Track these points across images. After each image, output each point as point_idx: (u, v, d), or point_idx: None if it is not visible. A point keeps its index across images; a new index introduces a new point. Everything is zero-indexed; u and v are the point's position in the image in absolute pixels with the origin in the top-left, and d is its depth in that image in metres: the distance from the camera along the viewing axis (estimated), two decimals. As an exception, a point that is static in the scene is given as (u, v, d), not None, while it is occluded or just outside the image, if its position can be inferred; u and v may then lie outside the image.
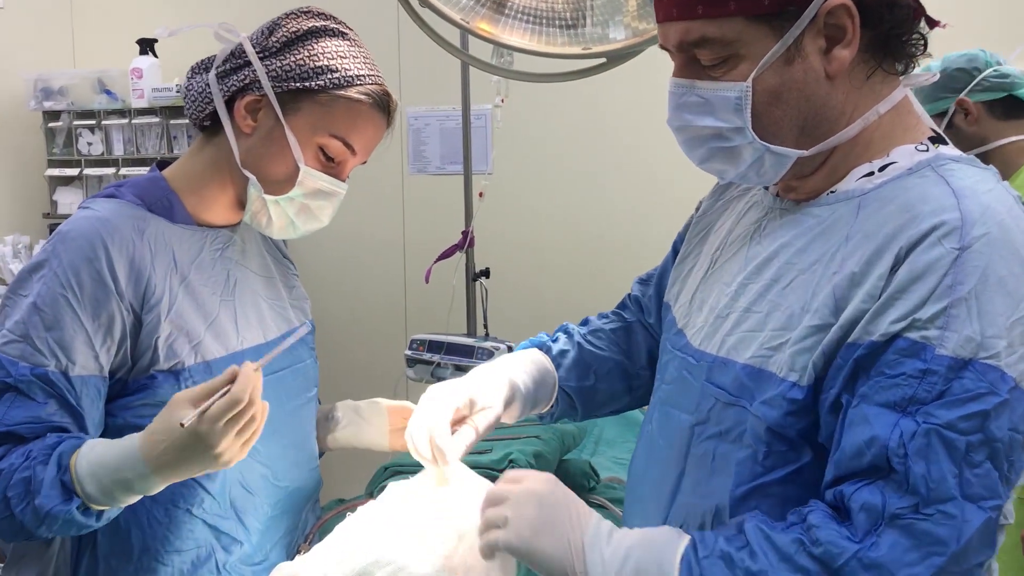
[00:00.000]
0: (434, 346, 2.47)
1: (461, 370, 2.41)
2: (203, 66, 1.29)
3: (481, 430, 1.18)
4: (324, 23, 1.27)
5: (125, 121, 3.58)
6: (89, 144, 3.64)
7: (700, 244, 1.20)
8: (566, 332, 1.38)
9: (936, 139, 0.98)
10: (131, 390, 1.21)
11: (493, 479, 1.46)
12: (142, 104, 3.54)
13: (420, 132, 3.34)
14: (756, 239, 1.05)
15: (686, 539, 0.93)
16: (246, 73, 1.24)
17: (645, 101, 3.17)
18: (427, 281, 2.53)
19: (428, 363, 2.46)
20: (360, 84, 1.25)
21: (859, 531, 0.84)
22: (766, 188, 1.09)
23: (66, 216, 3.69)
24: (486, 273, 2.57)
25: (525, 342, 1.36)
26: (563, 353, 1.33)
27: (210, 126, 1.29)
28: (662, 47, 1.03)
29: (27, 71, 3.64)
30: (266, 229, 1.32)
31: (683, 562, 0.90)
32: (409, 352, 2.51)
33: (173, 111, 3.52)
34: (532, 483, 1.00)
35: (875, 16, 0.92)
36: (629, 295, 1.43)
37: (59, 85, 3.64)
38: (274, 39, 1.25)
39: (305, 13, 1.29)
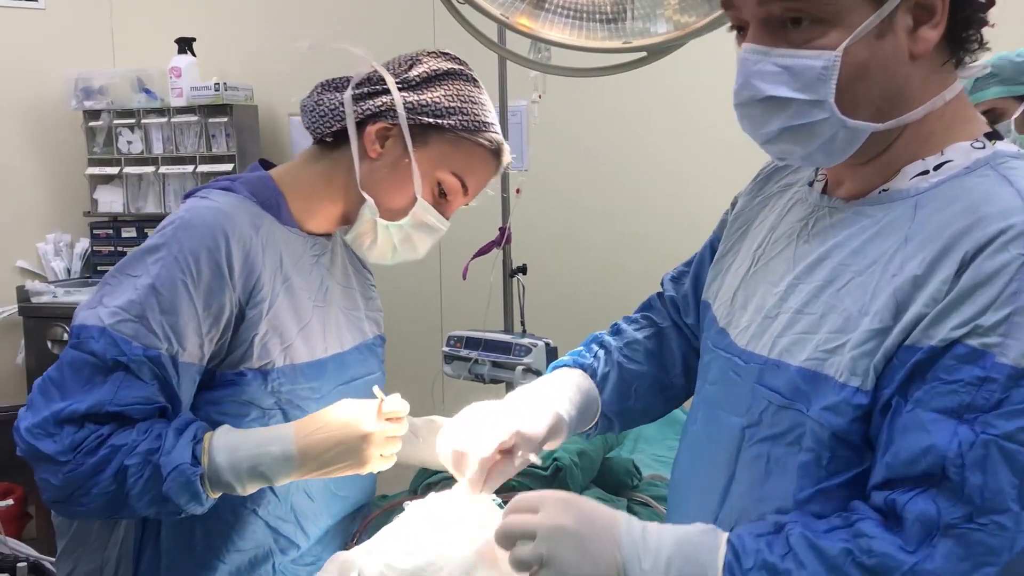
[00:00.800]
0: (472, 343, 2.47)
1: (499, 367, 2.41)
2: (334, 85, 1.33)
3: (518, 467, 1.17)
4: (460, 67, 1.34)
5: (164, 120, 3.62)
6: (129, 143, 3.68)
7: (739, 241, 1.18)
8: (603, 346, 1.34)
9: (991, 135, 0.95)
10: (218, 384, 1.23)
11: (537, 476, 1.45)
12: (181, 103, 3.58)
13: (455, 129, 3.33)
14: (804, 238, 1.02)
15: (723, 544, 0.91)
16: (383, 100, 1.28)
17: (683, 98, 3.15)
18: (464, 278, 2.52)
19: (466, 360, 2.46)
20: (486, 131, 1.32)
21: (913, 541, 0.82)
22: (810, 185, 1.07)
23: (106, 214, 3.75)
24: (523, 269, 2.56)
25: (565, 358, 1.33)
26: (606, 377, 1.30)
27: (331, 143, 1.33)
28: (736, 22, 0.97)
29: (67, 70, 3.68)
30: (366, 250, 1.37)
31: (727, 573, 0.89)
32: (447, 348, 2.51)
33: (211, 110, 3.55)
34: (555, 514, 0.95)
35: (962, 1, 0.90)
36: (660, 295, 1.40)
37: (99, 84, 3.69)
38: (414, 73, 1.30)
39: (444, 55, 1.35)
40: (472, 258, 2.53)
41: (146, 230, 3.78)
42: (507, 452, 1.15)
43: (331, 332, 1.35)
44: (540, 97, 2.40)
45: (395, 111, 1.27)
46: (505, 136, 2.57)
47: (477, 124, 1.31)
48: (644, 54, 1.72)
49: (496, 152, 1.35)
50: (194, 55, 3.64)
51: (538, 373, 2.35)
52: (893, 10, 0.87)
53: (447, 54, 1.35)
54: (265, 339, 1.23)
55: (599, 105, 3.21)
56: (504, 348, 2.40)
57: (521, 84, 2.56)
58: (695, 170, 3.15)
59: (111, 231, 3.78)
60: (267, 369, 1.23)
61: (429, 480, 1.50)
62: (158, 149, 3.67)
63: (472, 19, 1.77)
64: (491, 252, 2.54)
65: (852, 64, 0.88)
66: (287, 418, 1.25)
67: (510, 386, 2.75)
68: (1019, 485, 0.79)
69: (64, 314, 3.34)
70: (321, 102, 1.31)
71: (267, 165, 1.37)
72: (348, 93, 1.29)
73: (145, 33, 3.87)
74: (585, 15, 1.74)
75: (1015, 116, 2.13)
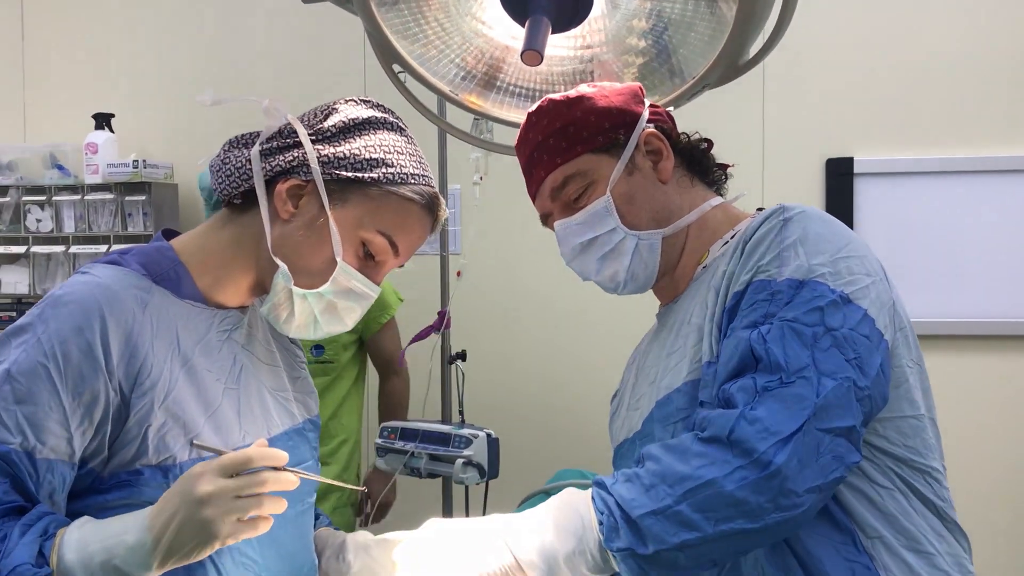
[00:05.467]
0: (408, 434, 2.34)
1: (437, 459, 2.28)
2: (243, 141, 1.20)
3: None
4: (383, 115, 1.21)
5: (77, 197, 3.45)
6: (38, 221, 3.49)
7: (623, 386, 1.40)
8: None
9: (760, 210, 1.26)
10: (108, 486, 1.06)
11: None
12: (96, 180, 3.42)
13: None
14: (660, 330, 1.30)
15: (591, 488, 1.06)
16: (294, 155, 1.15)
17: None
18: (400, 364, 2.41)
19: (401, 452, 2.33)
20: (414, 183, 1.18)
21: (739, 405, 0.99)
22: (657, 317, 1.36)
23: (10, 295, 3.53)
24: (463, 356, 2.45)
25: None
26: None
27: (240, 205, 1.19)
28: (544, 218, 1.34)
29: (-26, 145, 3.50)
30: (283, 324, 1.20)
31: (594, 497, 1.02)
32: (380, 441, 2.38)
33: (129, 187, 3.40)
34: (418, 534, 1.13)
35: (677, 140, 1.30)
36: None
37: (7, 159, 3.51)
38: (329, 124, 1.17)
39: (364, 101, 1.22)
40: (409, 343, 2.42)
41: (52, 313, 3.56)
42: None
43: (252, 416, 1.19)
44: (482, 178, 2.34)
45: (308, 166, 1.14)
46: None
47: (404, 176, 1.17)
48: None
49: (429, 206, 1.20)
50: (112, 131, 3.50)
51: (479, 466, 2.23)
52: (632, 156, 1.25)
53: (367, 101, 1.22)
54: (163, 431, 1.06)
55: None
56: (443, 439, 2.27)
57: (460, 167, 2.50)
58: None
59: (15, 313, 3.54)
60: (167, 465, 1.07)
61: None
62: (69, 228, 3.48)
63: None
64: (429, 337, 2.44)
65: (619, 196, 1.24)
66: None
67: (447, 481, 2.62)
68: (811, 353, 1.00)
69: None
70: (227, 160, 1.18)
71: (172, 235, 1.23)
72: (256, 148, 1.16)
73: (60, 108, 3.72)
74: (538, 95, 1.69)
75: None
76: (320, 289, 1.16)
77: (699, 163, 1.32)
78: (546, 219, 1.34)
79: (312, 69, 3.45)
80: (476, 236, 2.62)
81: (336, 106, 1.20)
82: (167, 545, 0.96)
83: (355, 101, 1.21)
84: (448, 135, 2.50)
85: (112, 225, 3.44)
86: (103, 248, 3.41)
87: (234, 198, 1.18)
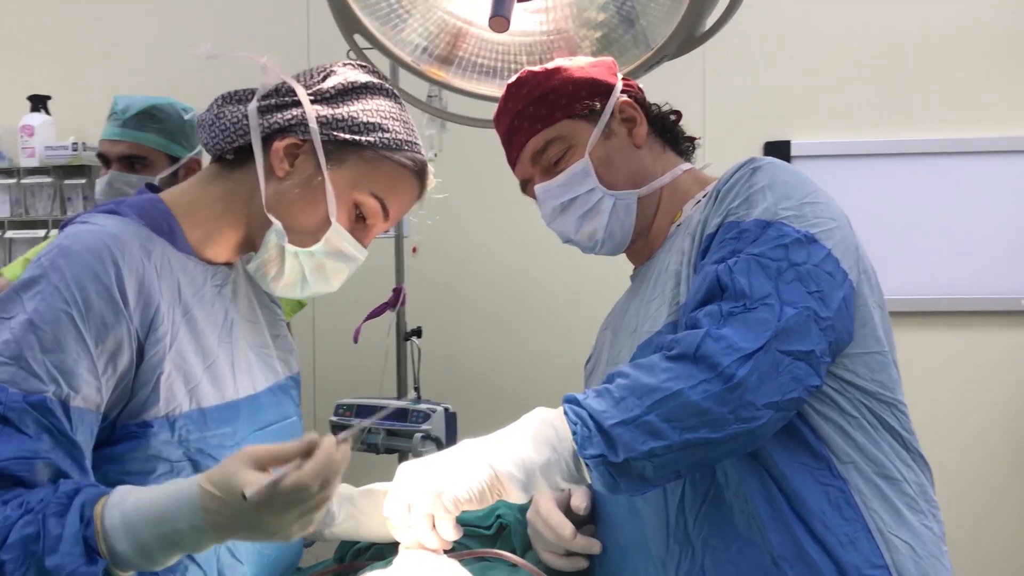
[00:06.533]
0: (364, 411, 2.35)
1: (395, 435, 2.30)
2: (236, 97, 1.20)
3: None
4: (380, 81, 1.23)
5: (12, 181, 3.36)
6: (-29, 205, 3.39)
7: (598, 348, 1.46)
8: None
9: None
10: (118, 437, 1.04)
11: (480, 536, 1.37)
12: (33, 163, 3.34)
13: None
14: (635, 285, 1.38)
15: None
16: (293, 114, 1.16)
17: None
18: (356, 340, 2.41)
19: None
20: (407, 150, 1.21)
21: (705, 327, 1.05)
22: (632, 278, 1.42)
23: (-56, 282, 3.43)
24: (418, 332, 2.47)
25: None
26: None
27: (231, 160, 1.19)
28: (523, 185, 1.41)
29: (-97, 127, 3.38)
30: (271, 281, 1.21)
31: (567, 412, 1.07)
32: (335, 418, 2.38)
33: (67, 171, 3.33)
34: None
35: (648, 109, 1.39)
36: None
37: (-62, 143, 3.40)
38: (328, 85, 1.19)
39: (362, 67, 1.24)
40: (364, 320, 2.43)
41: (-13, 300, 3.47)
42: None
43: (241, 371, 1.20)
44: (436, 155, 2.36)
45: (306, 125, 1.15)
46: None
47: (398, 142, 1.19)
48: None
49: (419, 173, 1.24)
50: (48, 114, 3.41)
51: (438, 440, 2.26)
52: (608, 122, 1.33)
53: (364, 66, 1.25)
54: (170, 380, 1.07)
55: (498, 163, 3.18)
56: (400, 415, 2.29)
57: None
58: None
59: (-54, 301, 3.44)
60: (174, 416, 1.06)
61: (358, 547, 1.38)
62: (4, 212, 3.39)
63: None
64: (384, 314, 2.45)
65: (597, 159, 1.32)
66: (198, 470, 1.06)
67: (403, 456, 2.63)
68: (775, 284, 1.06)
69: None
70: (222, 115, 1.18)
71: (155, 190, 1.23)
72: (253, 105, 1.17)
73: (-8, 90, 3.62)
74: (496, 71, 1.72)
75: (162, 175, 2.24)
76: (312, 248, 1.17)
77: (670, 131, 1.41)
78: (525, 185, 1.41)
79: (254, 41, 3.41)
80: (431, 212, 2.63)
81: (334, 68, 1.22)
82: (238, 537, 0.96)
83: (352, 65, 1.24)
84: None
85: (51, 209, 3.36)
86: (41, 233, 3.33)
87: (226, 153, 1.19)
